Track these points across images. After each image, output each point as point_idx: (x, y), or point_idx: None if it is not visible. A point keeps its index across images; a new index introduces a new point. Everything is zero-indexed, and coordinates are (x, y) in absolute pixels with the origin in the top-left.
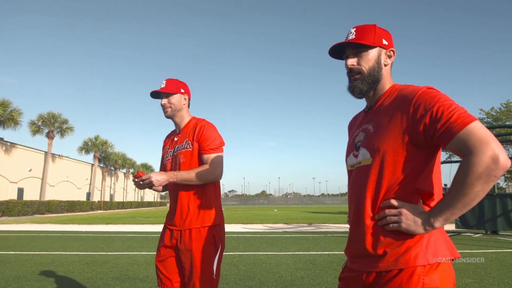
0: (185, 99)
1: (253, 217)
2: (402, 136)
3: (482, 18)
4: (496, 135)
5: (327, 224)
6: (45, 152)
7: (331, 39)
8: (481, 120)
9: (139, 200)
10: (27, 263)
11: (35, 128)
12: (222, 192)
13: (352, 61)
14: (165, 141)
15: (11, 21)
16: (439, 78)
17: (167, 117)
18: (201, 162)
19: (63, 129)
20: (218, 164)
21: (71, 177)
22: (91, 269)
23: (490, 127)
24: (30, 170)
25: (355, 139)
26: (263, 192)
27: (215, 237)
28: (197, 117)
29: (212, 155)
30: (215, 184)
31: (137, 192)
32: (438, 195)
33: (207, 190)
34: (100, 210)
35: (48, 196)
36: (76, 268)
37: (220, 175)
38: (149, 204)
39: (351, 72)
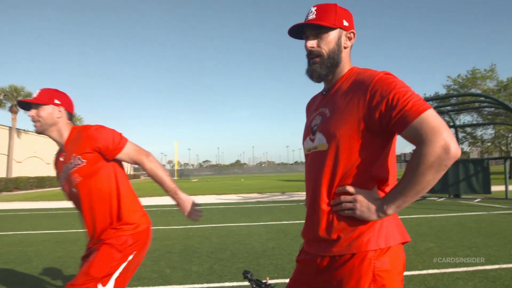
0: (59, 111)
1: (227, 187)
2: (358, 122)
3: None
4: (462, 102)
5: (300, 192)
6: (9, 127)
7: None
8: (448, 86)
9: None
10: None
11: None
12: (196, 163)
13: (312, 43)
14: (54, 164)
15: None
16: (410, 47)
17: (38, 132)
18: (112, 169)
19: None
20: (142, 153)
21: (39, 152)
22: (61, 248)
23: (458, 95)
24: None
25: (312, 123)
26: (238, 162)
27: (123, 247)
28: (78, 126)
29: (129, 149)
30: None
31: None
32: (393, 181)
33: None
34: None
35: (15, 173)
36: (46, 247)
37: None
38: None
39: (311, 54)
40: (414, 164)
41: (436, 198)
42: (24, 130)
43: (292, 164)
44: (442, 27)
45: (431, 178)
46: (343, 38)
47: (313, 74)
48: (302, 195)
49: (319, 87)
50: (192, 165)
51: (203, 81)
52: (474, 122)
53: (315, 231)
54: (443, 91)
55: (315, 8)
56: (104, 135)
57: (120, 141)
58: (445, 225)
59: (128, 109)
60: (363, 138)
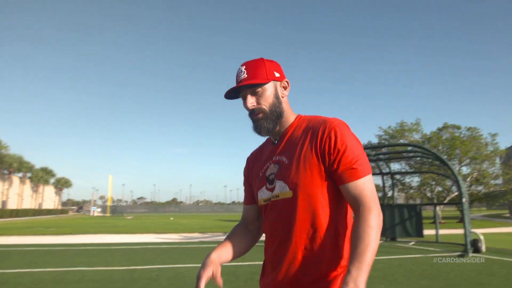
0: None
1: (164, 226)
2: (316, 167)
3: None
4: (392, 152)
5: None
6: None
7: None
8: (380, 136)
9: (37, 208)
10: None
11: None
12: (130, 199)
13: (251, 102)
14: None
15: None
16: (344, 101)
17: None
18: None
19: None
20: None
21: None
22: None
23: (389, 145)
24: None
25: (267, 172)
26: (174, 200)
27: None
28: None
29: None
30: None
31: (34, 199)
32: (350, 217)
33: None
34: None
35: None
36: None
37: None
38: (49, 212)
39: (253, 113)
40: (364, 230)
41: None
42: None
43: (229, 204)
44: (374, 81)
45: (376, 238)
46: (279, 90)
47: (261, 129)
48: None
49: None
50: (126, 201)
51: (139, 115)
52: (403, 170)
53: (291, 276)
54: (375, 140)
55: (244, 67)
56: None
57: None
58: (389, 268)
59: (55, 137)
60: (324, 181)
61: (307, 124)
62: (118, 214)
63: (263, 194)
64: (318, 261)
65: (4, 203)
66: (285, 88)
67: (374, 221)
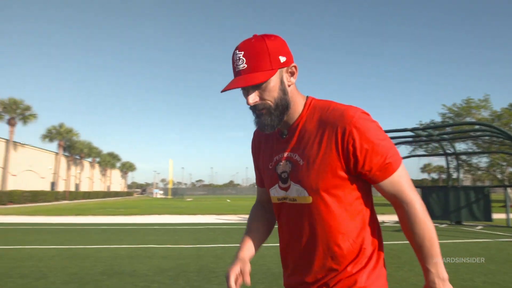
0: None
1: (225, 207)
2: (337, 169)
3: (448, 16)
4: (458, 131)
5: None
6: (7, 140)
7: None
8: (443, 115)
9: (106, 190)
10: (3, 258)
11: None
12: (189, 182)
13: (253, 98)
14: None
15: None
16: (406, 72)
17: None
18: None
19: (26, 116)
20: None
21: (34, 166)
22: (73, 264)
23: (454, 124)
24: None
25: (277, 169)
26: (231, 182)
27: None
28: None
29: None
30: None
31: (103, 182)
32: (373, 215)
33: None
34: (65, 200)
35: (10, 186)
36: (57, 263)
37: None
38: (116, 194)
39: (255, 109)
40: (419, 227)
41: (438, 225)
42: (21, 143)
43: None
44: (438, 57)
45: (432, 226)
46: (285, 78)
47: (265, 127)
48: None
49: None
50: (185, 184)
51: (198, 101)
52: (469, 150)
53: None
54: (438, 119)
55: (242, 53)
56: None
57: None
58: (454, 252)
59: (119, 124)
60: (346, 183)
61: (320, 115)
62: (179, 196)
63: (276, 193)
64: (345, 265)
65: (77, 186)
66: (292, 74)
67: (421, 213)
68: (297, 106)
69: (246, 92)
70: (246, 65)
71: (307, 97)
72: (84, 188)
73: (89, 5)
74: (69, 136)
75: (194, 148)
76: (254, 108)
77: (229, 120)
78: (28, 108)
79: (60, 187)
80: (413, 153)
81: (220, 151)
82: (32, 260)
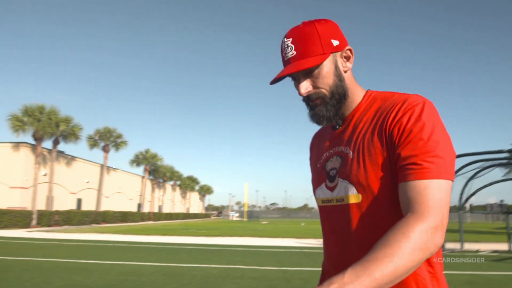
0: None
1: (302, 231)
2: (383, 162)
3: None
4: None
5: None
6: (101, 164)
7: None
8: None
9: (186, 212)
10: (110, 272)
11: (93, 142)
12: (263, 205)
13: (306, 87)
14: None
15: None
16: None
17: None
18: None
19: (118, 143)
20: None
21: (123, 188)
22: (171, 280)
23: None
24: (87, 182)
25: (327, 165)
26: (305, 205)
27: None
28: None
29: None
30: None
31: (183, 204)
32: None
33: None
34: (150, 220)
35: (103, 207)
36: (158, 279)
37: None
38: (195, 215)
39: (309, 99)
40: (395, 237)
41: None
42: (113, 168)
43: None
44: None
45: (411, 260)
46: (340, 62)
47: (320, 119)
48: None
49: None
50: (259, 207)
51: (271, 124)
52: None
53: None
54: None
55: (290, 40)
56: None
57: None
58: None
59: (197, 149)
60: (396, 177)
61: (380, 104)
62: (254, 218)
63: (322, 194)
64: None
65: (160, 207)
66: (348, 58)
67: (418, 234)
68: (355, 96)
69: (298, 82)
70: (295, 52)
71: (367, 90)
72: (166, 209)
73: (183, 46)
74: (154, 160)
75: (268, 171)
76: (307, 99)
77: (301, 142)
78: (120, 136)
79: (146, 208)
80: (509, 176)
81: (294, 174)
82: (135, 275)
